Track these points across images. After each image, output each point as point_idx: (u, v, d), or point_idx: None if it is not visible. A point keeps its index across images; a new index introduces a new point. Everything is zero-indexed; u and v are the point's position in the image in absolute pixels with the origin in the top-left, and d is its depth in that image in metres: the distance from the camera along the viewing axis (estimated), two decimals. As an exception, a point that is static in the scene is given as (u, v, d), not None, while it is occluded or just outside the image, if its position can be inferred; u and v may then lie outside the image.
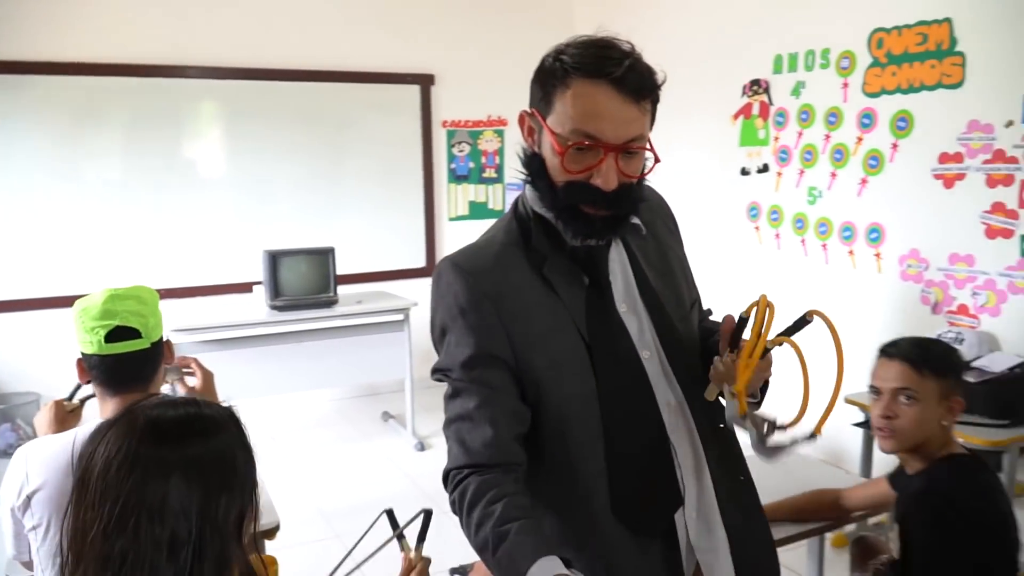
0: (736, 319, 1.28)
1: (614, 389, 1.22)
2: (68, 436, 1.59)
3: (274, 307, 4.37)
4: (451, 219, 5.86)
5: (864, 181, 3.92)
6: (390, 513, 1.41)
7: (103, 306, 1.56)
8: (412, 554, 1.32)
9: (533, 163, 1.24)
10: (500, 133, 5.91)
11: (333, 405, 5.46)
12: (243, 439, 1.02)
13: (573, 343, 1.21)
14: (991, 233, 3.37)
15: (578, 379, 1.21)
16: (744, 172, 4.63)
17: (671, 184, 5.22)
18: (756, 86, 4.50)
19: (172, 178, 4.98)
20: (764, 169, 4.50)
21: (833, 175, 4.09)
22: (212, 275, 4.99)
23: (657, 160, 1.25)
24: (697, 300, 1.44)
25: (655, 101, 1.21)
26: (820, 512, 2.18)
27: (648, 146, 1.22)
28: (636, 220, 1.30)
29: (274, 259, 4.39)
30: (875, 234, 3.88)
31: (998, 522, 1.73)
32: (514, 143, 5.48)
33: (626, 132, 1.16)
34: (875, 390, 1.83)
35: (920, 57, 3.59)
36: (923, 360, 1.79)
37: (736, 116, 4.65)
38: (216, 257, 5.09)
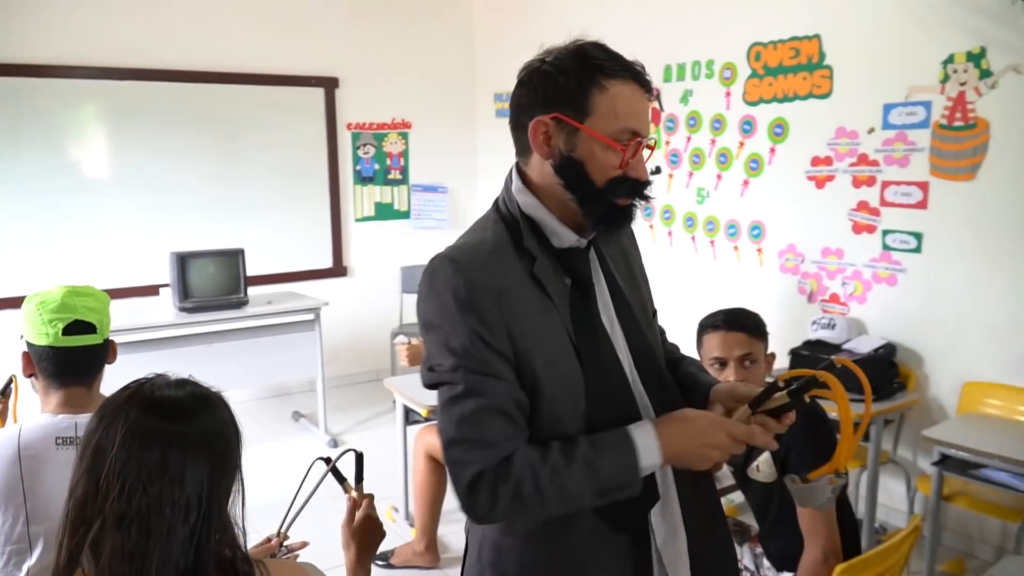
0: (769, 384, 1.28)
1: (600, 390, 1.24)
2: (12, 429, 1.65)
3: (183, 309, 4.36)
4: (357, 220, 5.93)
5: (746, 182, 4.27)
6: (326, 460, 1.54)
7: (62, 300, 1.63)
8: (354, 493, 1.46)
9: (570, 167, 1.23)
10: (404, 136, 6.04)
11: (243, 406, 5.43)
12: (234, 418, 1.15)
13: (564, 343, 1.23)
14: (857, 229, 3.76)
15: (568, 379, 1.22)
16: (639, 174, 4.92)
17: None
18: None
19: (64, 181, 4.86)
20: (657, 171, 4.80)
21: (719, 177, 4.43)
22: (114, 278, 4.90)
23: (653, 151, 1.32)
24: (655, 311, 1.48)
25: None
26: None
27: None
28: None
29: (182, 261, 4.37)
30: (756, 231, 4.23)
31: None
32: (419, 146, 5.65)
33: (648, 127, 1.27)
34: (721, 361, 2.09)
35: (793, 69, 3.96)
36: (755, 327, 2.13)
37: (630, 121, 4.93)
38: (116, 260, 5.00)
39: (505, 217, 1.30)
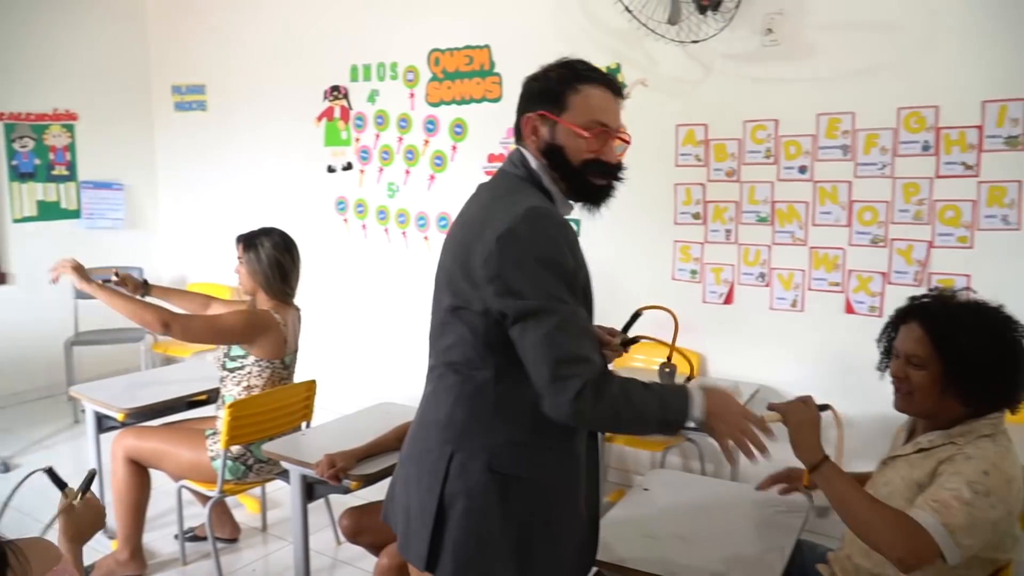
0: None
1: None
2: None
3: None
4: (16, 221, 5.35)
5: (432, 177, 4.63)
6: (50, 471, 1.56)
7: None
8: (76, 501, 1.51)
9: (553, 151, 1.58)
10: (70, 128, 5.55)
11: None
12: None
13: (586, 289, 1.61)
14: (528, 217, 4.28)
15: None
16: (330, 170, 5.07)
17: (264, 181, 5.50)
18: (336, 92, 4.96)
19: None
20: (348, 167, 4.99)
21: (407, 172, 4.74)
22: None
23: (628, 143, 1.66)
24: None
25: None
26: None
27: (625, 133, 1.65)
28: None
29: None
30: (444, 222, 4.62)
31: None
32: (88, 140, 5.25)
33: (619, 122, 1.62)
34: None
35: (469, 75, 4.38)
36: None
37: (320, 118, 5.06)
38: None
39: (537, 183, 1.61)
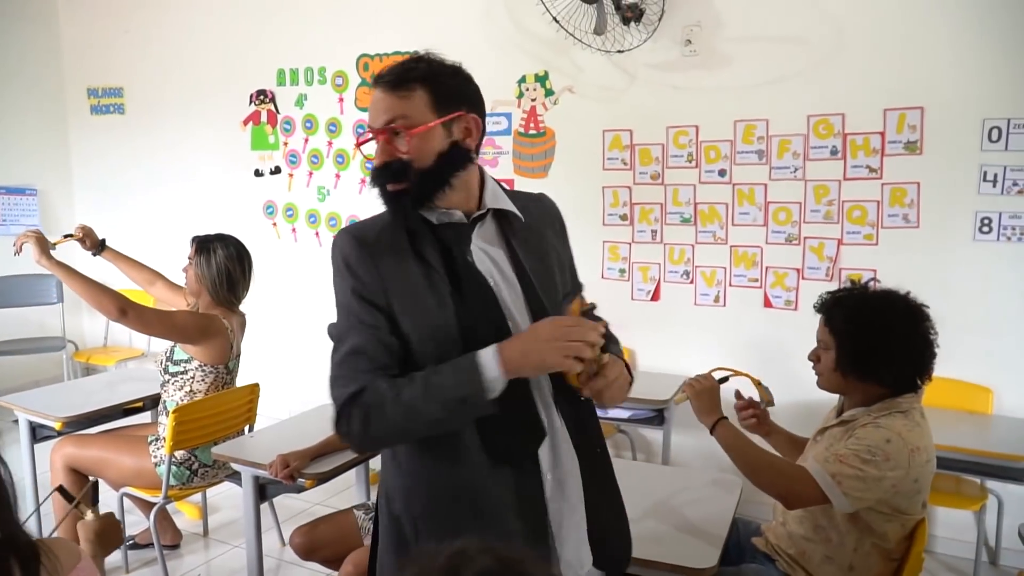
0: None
1: (475, 332, 1.38)
2: None
3: None
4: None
5: (363, 181, 4.68)
6: (61, 488, 1.59)
7: None
8: (88, 515, 1.53)
9: None
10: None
11: None
12: None
13: (442, 296, 1.39)
14: (461, 220, 4.39)
15: (444, 327, 1.38)
16: (258, 174, 5.04)
17: (188, 185, 5.41)
18: (263, 96, 4.94)
19: None
20: (276, 171, 4.98)
21: (338, 176, 4.77)
22: None
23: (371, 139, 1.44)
24: (572, 291, 1.65)
25: (428, 88, 1.40)
26: None
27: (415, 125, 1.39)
28: (514, 210, 1.50)
29: None
30: (376, 225, 4.66)
31: None
32: None
33: (375, 118, 1.41)
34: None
35: (399, 80, 4.45)
36: None
37: (246, 122, 5.03)
38: None
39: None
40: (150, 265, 3.47)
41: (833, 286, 2.15)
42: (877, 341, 1.94)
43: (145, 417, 3.57)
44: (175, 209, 5.38)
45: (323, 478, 2.63)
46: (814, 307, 2.11)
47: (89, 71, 5.65)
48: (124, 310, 2.82)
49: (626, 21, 3.65)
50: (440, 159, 1.41)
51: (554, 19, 3.66)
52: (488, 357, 1.32)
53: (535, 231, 1.56)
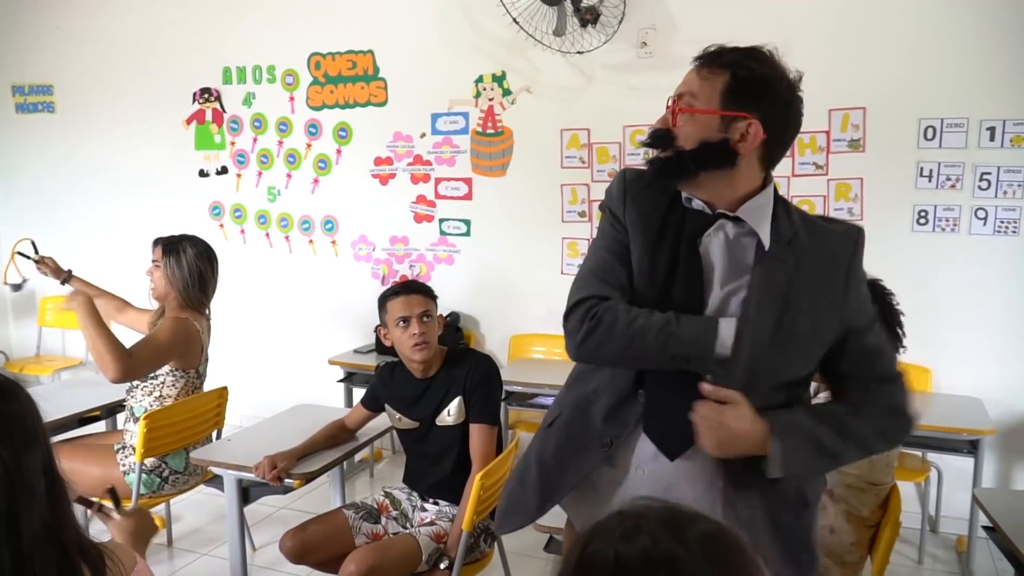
0: None
1: (671, 306, 1.40)
2: None
3: None
4: None
5: (316, 180, 4.64)
6: (80, 498, 1.58)
7: None
8: (116, 515, 1.53)
9: None
10: None
11: None
12: (33, 404, 1.14)
13: (656, 258, 1.43)
14: (418, 219, 4.41)
15: (643, 291, 1.44)
16: (203, 174, 4.94)
17: (126, 186, 5.22)
18: (207, 94, 4.84)
19: None
20: (223, 171, 4.89)
21: (289, 176, 4.71)
22: None
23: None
24: (817, 358, 1.44)
25: (731, 77, 1.36)
26: (339, 438, 2.78)
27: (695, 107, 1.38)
28: (760, 233, 1.40)
29: None
30: (330, 224, 4.64)
31: None
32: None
33: (680, 88, 1.42)
34: (405, 319, 2.49)
35: (353, 79, 4.44)
36: (428, 291, 2.58)
37: (189, 121, 4.92)
38: None
39: None
40: (115, 292, 3.39)
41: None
42: None
43: (101, 426, 3.47)
44: (113, 212, 5.20)
45: (310, 478, 2.63)
46: None
47: (14, 67, 5.40)
48: (123, 365, 2.70)
49: (584, 23, 3.75)
50: (701, 148, 1.37)
51: (514, 20, 3.73)
52: (731, 332, 1.35)
53: (814, 275, 1.41)
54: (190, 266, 2.98)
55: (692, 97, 1.38)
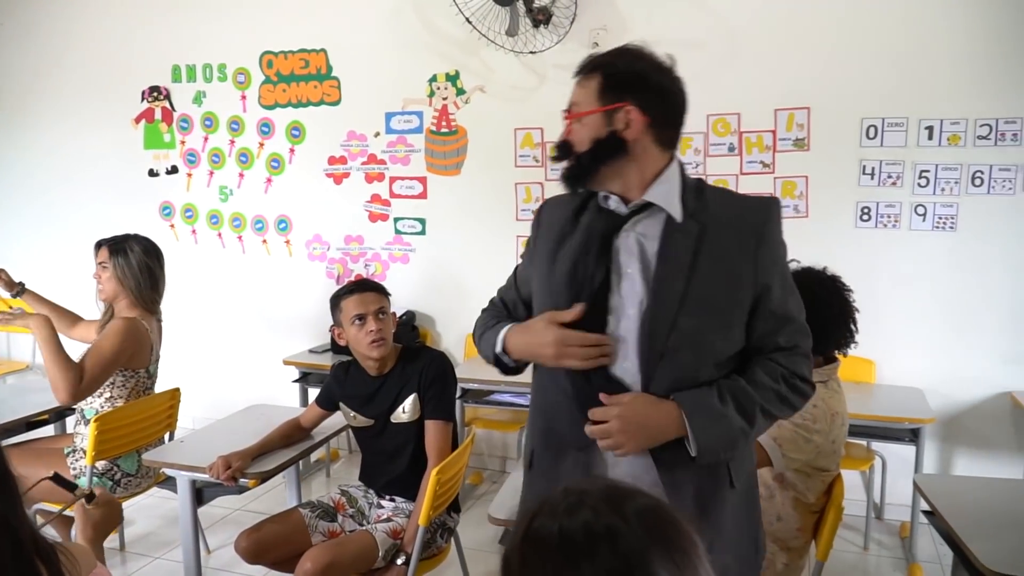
0: None
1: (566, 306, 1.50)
2: None
3: None
4: None
5: (269, 180, 4.61)
6: (55, 476, 1.58)
7: None
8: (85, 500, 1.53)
9: None
10: None
11: None
12: None
13: (562, 260, 1.55)
14: (373, 218, 4.41)
15: (544, 292, 1.59)
16: (153, 173, 4.86)
17: (71, 187, 5.13)
18: (156, 93, 4.77)
19: None
20: (173, 171, 4.82)
21: (241, 175, 4.67)
22: None
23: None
24: (740, 322, 1.49)
25: (601, 77, 1.47)
26: (293, 437, 2.78)
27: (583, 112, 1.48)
28: (670, 211, 1.47)
29: None
30: (283, 224, 4.61)
31: None
32: None
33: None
34: (360, 316, 2.50)
35: (305, 78, 4.42)
36: (381, 288, 2.61)
37: (138, 120, 4.84)
38: None
39: None
40: (63, 305, 3.34)
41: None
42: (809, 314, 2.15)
43: (50, 430, 3.41)
44: (59, 213, 5.09)
45: (265, 477, 2.62)
46: None
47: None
48: (78, 384, 2.69)
49: (536, 24, 3.79)
50: (594, 145, 1.47)
51: (467, 20, 3.75)
52: (502, 336, 1.59)
53: (723, 240, 1.47)
54: (140, 264, 2.94)
55: (576, 105, 1.51)
